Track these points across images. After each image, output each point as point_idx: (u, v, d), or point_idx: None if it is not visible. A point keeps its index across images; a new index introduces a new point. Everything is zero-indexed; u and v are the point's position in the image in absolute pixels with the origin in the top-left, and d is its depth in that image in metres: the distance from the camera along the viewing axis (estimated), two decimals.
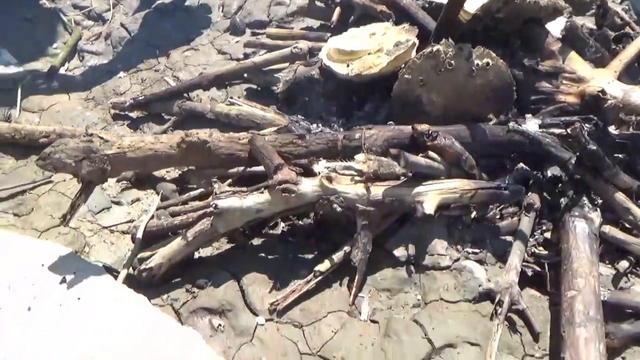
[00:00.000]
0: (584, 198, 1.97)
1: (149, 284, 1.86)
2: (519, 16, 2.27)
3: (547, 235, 2.03)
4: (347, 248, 1.88)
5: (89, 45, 3.61)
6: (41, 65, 3.39)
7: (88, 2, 3.89)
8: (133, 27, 3.63)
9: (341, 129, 2.46)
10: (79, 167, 1.77)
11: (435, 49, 2.15)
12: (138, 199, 2.34)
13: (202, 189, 2.24)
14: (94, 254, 2.06)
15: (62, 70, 3.35)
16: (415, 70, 2.20)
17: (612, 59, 2.47)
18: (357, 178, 1.87)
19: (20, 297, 1.73)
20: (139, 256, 1.90)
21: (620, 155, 2.12)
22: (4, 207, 2.29)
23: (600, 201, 2.03)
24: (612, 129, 2.23)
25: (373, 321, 1.80)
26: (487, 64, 2.15)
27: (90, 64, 3.45)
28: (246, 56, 3.23)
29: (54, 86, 3.19)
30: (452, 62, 2.14)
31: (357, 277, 1.83)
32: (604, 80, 2.25)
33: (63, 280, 1.79)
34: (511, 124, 2.09)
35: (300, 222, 2.13)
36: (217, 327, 1.78)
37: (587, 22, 3.18)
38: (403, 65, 2.29)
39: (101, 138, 1.82)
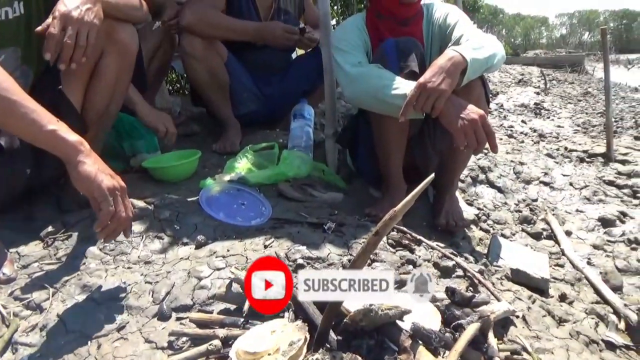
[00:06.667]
0: None
1: None
2: (376, 323, 3.05)
3: None
4: None
5: (24, 337, 3.91)
6: None
7: (28, 292, 4.20)
8: (69, 317, 3.93)
9: None
10: None
11: (314, 358, 2.81)
12: None
13: None
14: None
15: None
16: None
17: (455, 344, 3.25)
18: None
19: None
20: None
21: None
22: None
23: None
24: None
25: None
26: None
27: (23, 357, 3.74)
28: (170, 344, 3.73)
29: None
30: None
31: None
32: None
33: None
34: None
35: None
36: None
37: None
38: None
39: None
